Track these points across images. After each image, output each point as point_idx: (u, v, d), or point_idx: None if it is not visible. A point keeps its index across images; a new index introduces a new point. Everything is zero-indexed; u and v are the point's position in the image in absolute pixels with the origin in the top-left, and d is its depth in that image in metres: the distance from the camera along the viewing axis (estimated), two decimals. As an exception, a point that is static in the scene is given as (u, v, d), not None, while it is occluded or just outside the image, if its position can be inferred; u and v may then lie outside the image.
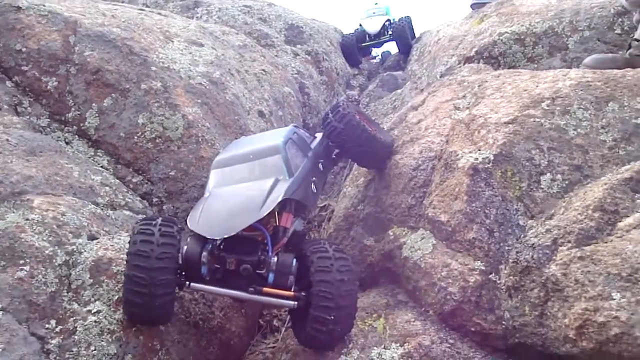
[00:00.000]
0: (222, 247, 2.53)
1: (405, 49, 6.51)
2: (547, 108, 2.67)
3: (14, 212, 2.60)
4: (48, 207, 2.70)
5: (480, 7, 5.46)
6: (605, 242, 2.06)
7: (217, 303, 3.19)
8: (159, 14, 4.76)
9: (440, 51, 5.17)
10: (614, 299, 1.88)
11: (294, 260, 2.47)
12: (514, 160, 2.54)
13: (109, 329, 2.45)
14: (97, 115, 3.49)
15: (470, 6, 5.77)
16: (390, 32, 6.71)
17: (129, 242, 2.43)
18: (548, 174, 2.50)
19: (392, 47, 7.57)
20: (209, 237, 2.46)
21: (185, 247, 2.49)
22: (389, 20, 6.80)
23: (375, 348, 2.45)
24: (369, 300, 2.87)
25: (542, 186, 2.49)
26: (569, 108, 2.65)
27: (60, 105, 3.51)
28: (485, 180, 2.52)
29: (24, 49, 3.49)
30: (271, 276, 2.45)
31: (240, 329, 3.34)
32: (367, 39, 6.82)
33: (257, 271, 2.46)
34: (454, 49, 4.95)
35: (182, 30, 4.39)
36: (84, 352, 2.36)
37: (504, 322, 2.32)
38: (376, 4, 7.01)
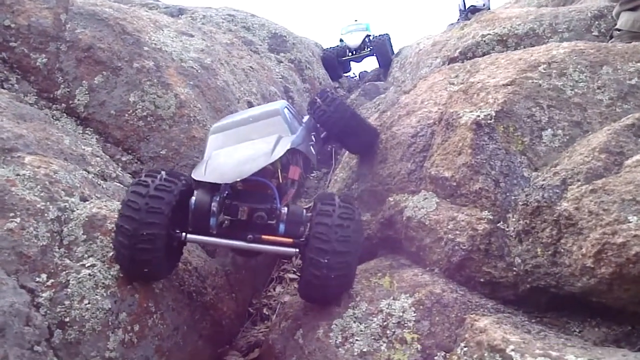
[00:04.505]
0: (231, 197, 2.46)
1: (386, 63, 6.65)
2: (544, 71, 2.73)
3: (4, 167, 2.49)
4: (40, 164, 2.60)
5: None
6: (615, 177, 2.08)
7: (209, 280, 3.09)
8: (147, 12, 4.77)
9: (423, 55, 5.29)
10: (631, 222, 1.87)
11: (304, 211, 2.42)
12: (515, 117, 2.57)
13: (103, 283, 2.32)
14: (87, 92, 3.42)
15: (448, 26, 5.98)
16: (370, 47, 6.86)
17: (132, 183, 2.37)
18: (549, 130, 2.53)
19: (369, 66, 7.76)
20: (219, 182, 2.39)
21: (194, 198, 2.41)
22: (368, 35, 6.96)
23: (384, 300, 2.37)
24: (371, 265, 2.82)
25: (544, 140, 2.51)
26: (565, 71, 2.71)
27: (49, 83, 3.43)
28: (488, 134, 2.53)
29: (13, 25, 3.43)
30: (282, 226, 2.40)
31: (231, 311, 3.23)
32: (348, 53, 6.96)
33: (269, 221, 2.40)
34: (438, 52, 5.07)
35: (171, 24, 4.40)
36: (77, 305, 2.22)
37: (514, 268, 2.28)
38: (356, 20, 7.18)
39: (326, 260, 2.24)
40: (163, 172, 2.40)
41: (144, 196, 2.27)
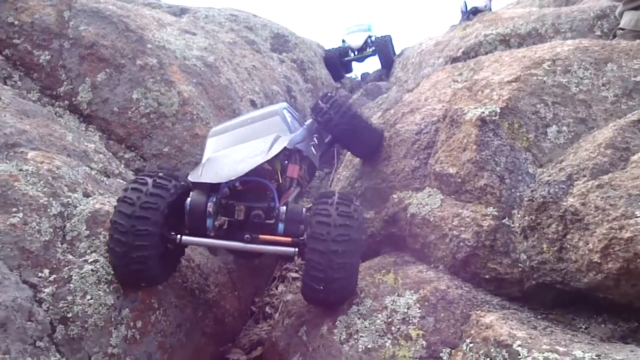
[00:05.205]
0: (228, 198, 2.43)
1: (388, 63, 6.65)
2: (548, 68, 2.72)
3: (7, 163, 2.48)
4: (43, 159, 2.58)
5: None
6: (621, 173, 2.07)
7: (211, 278, 3.07)
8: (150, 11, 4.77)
9: (426, 55, 5.29)
10: (639, 217, 1.86)
11: (304, 209, 2.39)
12: (520, 114, 2.56)
13: (106, 278, 2.30)
14: (90, 89, 3.41)
15: (450, 27, 5.98)
16: (372, 48, 6.85)
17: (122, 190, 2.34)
18: (554, 126, 2.52)
19: (370, 68, 7.75)
20: (214, 182, 2.35)
21: (189, 199, 2.37)
22: (370, 36, 6.95)
23: (388, 296, 2.36)
24: (375, 262, 2.80)
25: (549, 137, 2.50)
26: (569, 68, 2.70)
27: (52, 80, 3.42)
28: (493, 130, 2.52)
29: (16, 22, 3.43)
30: (281, 226, 2.35)
31: (234, 309, 3.21)
32: (350, 53, 6.95)
33: (267, 221, 2.36)
34: (440, 51, 5.07)
35: (174, 22, 4.40)
36: (80, 300, 2.20)
37: (520, 265, 2.27)
38: (358, 21, 7.18)
39: (321, 288, 2.21)
40: (150, 183, 2.30)
41: (129, 217, 2.21)
